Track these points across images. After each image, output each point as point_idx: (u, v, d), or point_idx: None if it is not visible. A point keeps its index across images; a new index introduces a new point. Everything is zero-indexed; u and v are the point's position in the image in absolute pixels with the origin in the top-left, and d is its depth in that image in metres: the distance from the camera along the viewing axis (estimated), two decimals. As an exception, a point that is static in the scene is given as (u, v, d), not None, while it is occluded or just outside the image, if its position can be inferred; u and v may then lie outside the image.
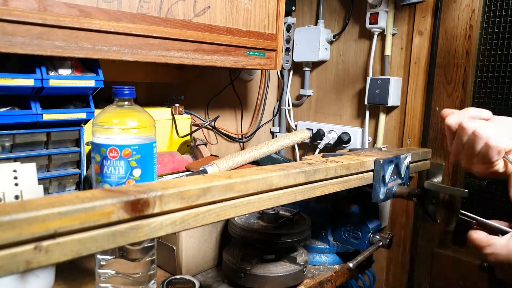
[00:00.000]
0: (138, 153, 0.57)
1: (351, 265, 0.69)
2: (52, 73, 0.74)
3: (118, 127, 0.57)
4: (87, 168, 0.84)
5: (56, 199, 0.34)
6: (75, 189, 0.83)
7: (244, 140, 1.46)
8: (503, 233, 0.56)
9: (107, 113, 0.59)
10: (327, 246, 0.83)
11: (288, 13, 1.42)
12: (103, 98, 0.98)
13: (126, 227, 0.37)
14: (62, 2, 0.68)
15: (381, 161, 0.69)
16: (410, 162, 0.81)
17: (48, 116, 0.75)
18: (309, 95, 1.51)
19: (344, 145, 1.35)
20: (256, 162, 1.12)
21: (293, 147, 1.57)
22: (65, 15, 0.69)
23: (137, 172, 0.58)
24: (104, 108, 0.60)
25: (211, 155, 1.03)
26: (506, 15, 1.06)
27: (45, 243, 0.32)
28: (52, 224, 0.32)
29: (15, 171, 0.64)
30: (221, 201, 0.45)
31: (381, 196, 0.71)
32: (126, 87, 0.58)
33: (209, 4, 0.91)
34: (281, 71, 1.52)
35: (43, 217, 0.31)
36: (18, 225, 0.30)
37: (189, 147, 1.10)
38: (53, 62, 0.76)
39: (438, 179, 1.17)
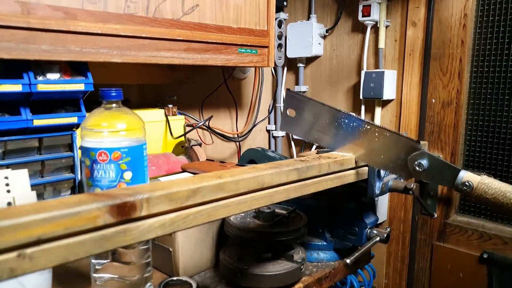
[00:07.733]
0: (128, 156, 0.57)
1: (348, 261, 0.68)
2: (40, 78, 0.73)
3: (106, 130, 0.56)
4: (81, 172, 0.83)
5: (41, 205, 0.34)
6: (71, 194, 0.83)
7: (239, 139, 1.45)
8: None
9: (95, 116, 0.58)
10: (324, 243, 0.82)
11: (279, 8, 1.41)
12: (95, 101, 0.97)
13: (113, 231, 0.36)
14: (46, 5, 0.67)
15: (376, 155, 0.69)
16: (406, 155, 0.80)
17: (38, 122, 0.74)
18: (304, 91, 1.50)
19: (340, 140, 1.34)
20: (253, 161, 1.12)
21: (289, 144, 1.57)
22: (50, 17, 0.68)
23: (128, 175, 0.57)
24: (92, 111, 0.59)
25: (207, 159, 1.02)
26: (501, 3, 1.05)
27: (28, 250, 0.31)
28: (35, 231, 0.32)
29: (6, 177, 0.63)
30: (212, 201, 0.44)
31: (377, 191, 0.71)
32: (113, 89, 0.58)
33: (197, 2, 0.90)
34: (274, 68, 1.51)
35: (26, 224, 0.31)
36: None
37: (184, 148, 1.09)
38: (41, 66, 0.75)
39: (435, 171, 1.16)
